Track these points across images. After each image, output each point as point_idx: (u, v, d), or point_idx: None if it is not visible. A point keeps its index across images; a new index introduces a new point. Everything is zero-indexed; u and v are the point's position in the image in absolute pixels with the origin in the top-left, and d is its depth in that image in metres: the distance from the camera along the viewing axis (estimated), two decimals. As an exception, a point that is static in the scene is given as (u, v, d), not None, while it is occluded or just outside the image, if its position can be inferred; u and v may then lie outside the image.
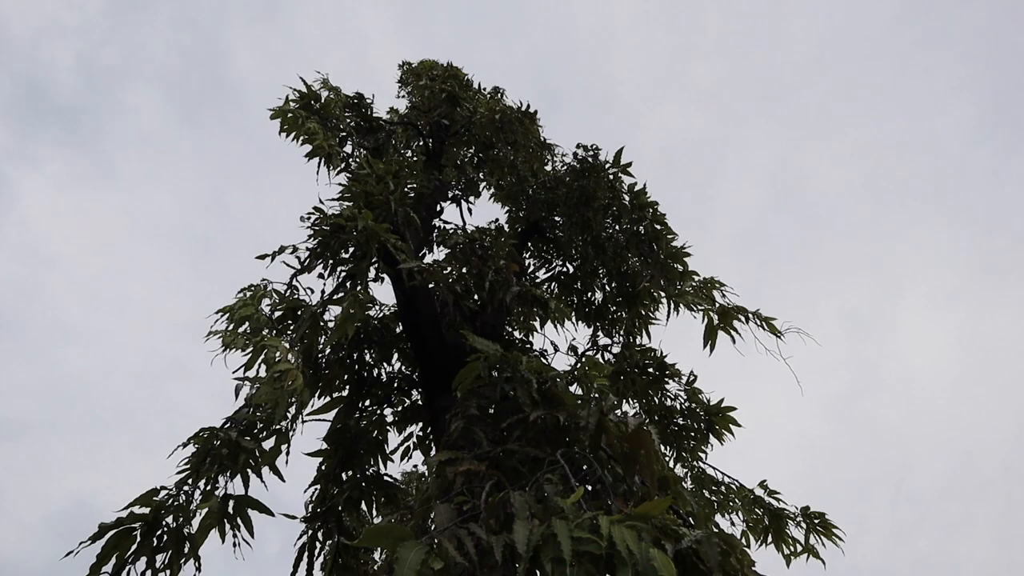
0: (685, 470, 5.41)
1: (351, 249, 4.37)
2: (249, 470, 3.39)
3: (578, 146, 6.02)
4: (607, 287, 6.30)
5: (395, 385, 5.16)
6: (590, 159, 5.85)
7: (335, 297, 4.18)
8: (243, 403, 3.55)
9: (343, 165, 5.18)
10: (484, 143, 6.86)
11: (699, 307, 5.04)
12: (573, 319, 6.57)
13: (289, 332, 3.69)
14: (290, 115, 4.60)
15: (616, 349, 6.07)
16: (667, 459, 5.45)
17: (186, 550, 2.94)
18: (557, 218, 6.43)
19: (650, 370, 5.75)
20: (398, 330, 5.18)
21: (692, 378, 5.49)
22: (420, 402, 5.13)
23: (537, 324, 6.25)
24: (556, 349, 5.73)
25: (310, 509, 4.23)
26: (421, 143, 6.93)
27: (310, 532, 4.09)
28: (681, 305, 5.18)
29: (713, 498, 5.21)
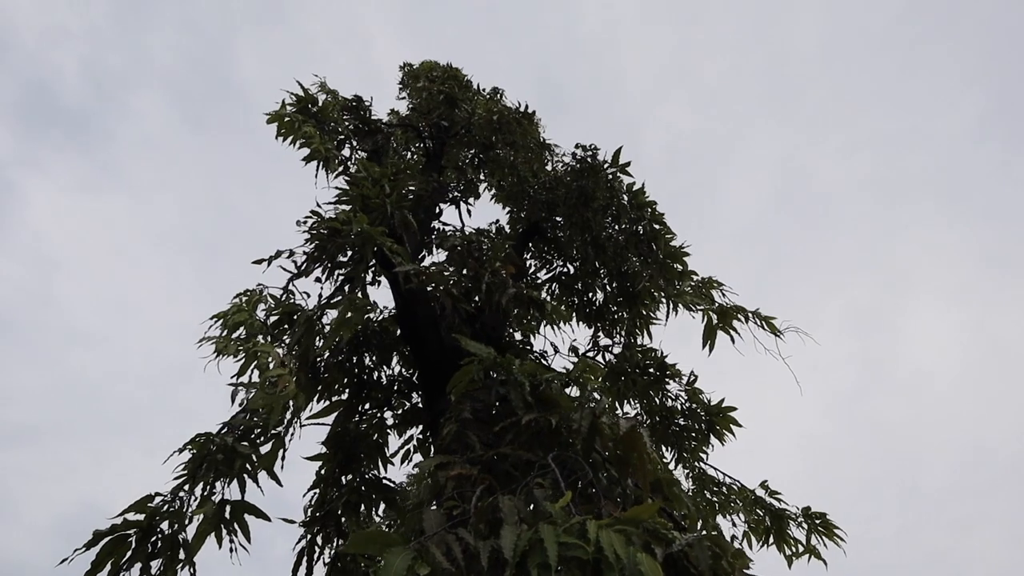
0: (686, 471, 5.40)
1: (349, 253, 4.38)
2: (246, 475, 3.40)
3: (577, 146, 6.02)
4: (608, 287, 6.29)
5: (395, 388, 5.16)
6: (589, 159, 5.84)
7: (333, 301, 4.19)
8: (240, 408, 3.57)
9: (341, 168, 5.19)
10: (484, 144, 6.85)
11: (698, 307, 5.02)
12: (575, 319, 6.58)
13: (285, 337, 3.69)
14: (287, 119, 4.61)
15: (617, 350, 6.06)
16: (668, 460, 5.44)
17: (181, 556, 2.95)
18: (558, 218, 6.43)
19: (651, 370, 5.73)
20: (397, 333, 5.18)
21: (692, 378, 5.47)
22: (420, 405, 5.13)
23: (540, 326, 6.27)
24: (556, 350, 5.73)
25: (309, 513, 4.23)
26: (421, 145, 6.93)
27: (309, 536, 4.10)
28: (680, 305, 5.16)
29: (714, 499, 5.19)
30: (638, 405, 5.75)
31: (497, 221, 6.98)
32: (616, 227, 5.77)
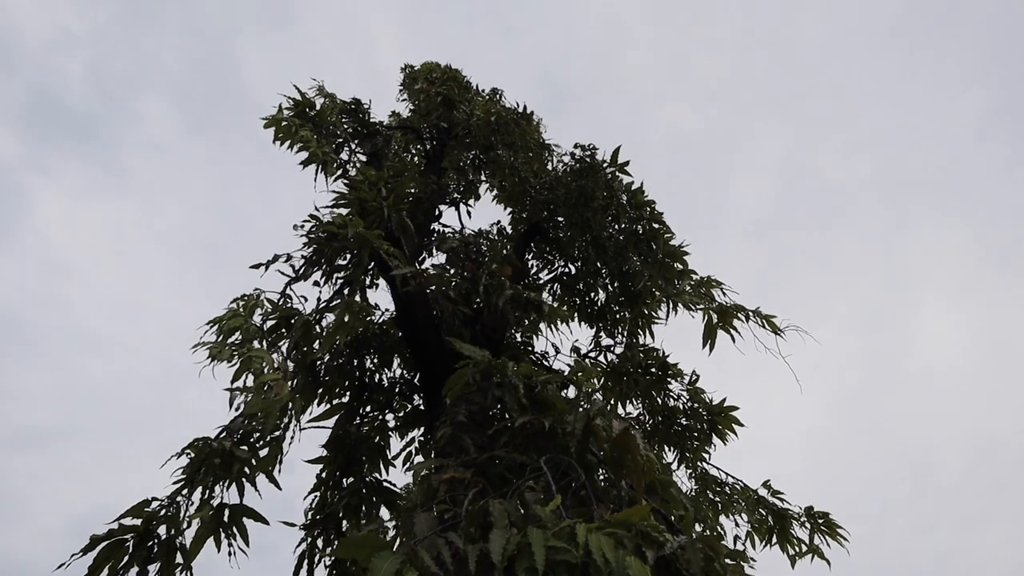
0: (689, 471, 5.38)
1: (347, 256, 4.39)
2: (244, 479, 3.41)
3: (576, 146, 6.01)
4: (609, 287, 6.28)
5: (396, 390, 5.17)
6: (587, 159, 5.83)
7: (331, 305, 4.20)
8: (239, 413, 3.58)
9: (340, 172, 5.20)
10: (484, 145, 6.85)
11: (697, 306, 5.01)
12: (576, 319, 6.57)
13: (282, 342, 3.71)
14: (284, 123, 4.62)
15: (619, 349, 6.05)
16: (671, 461, 5.42)
17: (178, 560, 2.96)
18: (559, 219, 6.42)
19: (653, 370, 5.72)
20: (398, 335, 5.19)
21: (694, 378, 5.46)
22: (422, 407, 5.14)
23: (541, 327, 6.27)
24: (557, 351, 5.73)
25: (309, 516, 4.25)
26: (421, 147, 6.94)
27: (309, 540, 4.11)
28: (680, 304, 5.14)
29: (717, 499, 5.18)
30: (640, 405, 5.74)
31: (499, 222, 6.99)
32: (616, 227, 5.76)
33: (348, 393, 4.96)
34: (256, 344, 3.38)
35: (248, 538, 3.35)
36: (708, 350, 4.92)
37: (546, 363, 5.41)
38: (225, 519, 3.30)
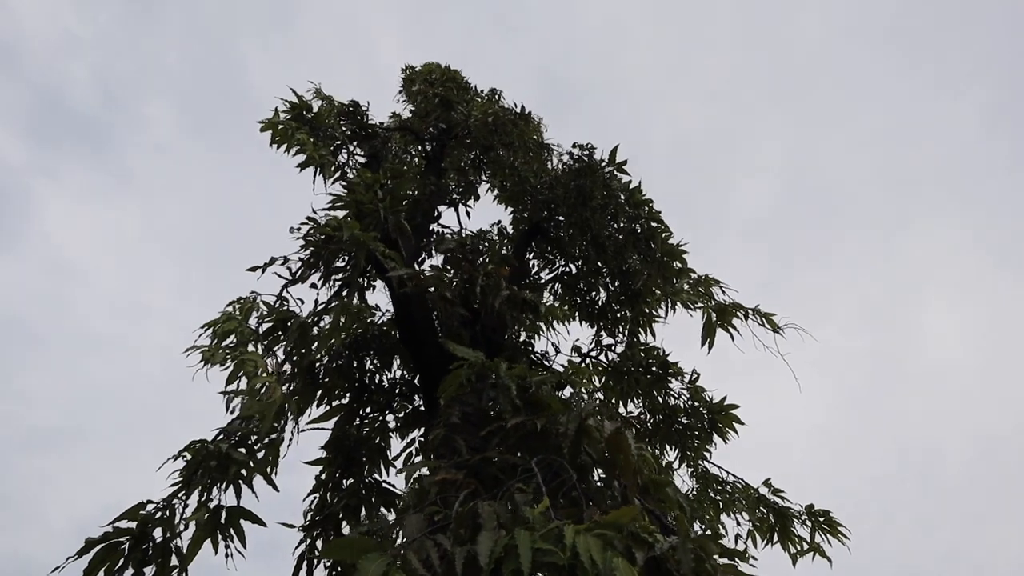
0: (690, 470, 5.37)
1: (345, 258, 4.40)
2: (241, 481, 3.42)
3: (574, 145, 6.00)
4: (610, 286, 6.27)
5: (397, 391, 5.18)
6: (585, 158, 5.82)
7: (329, 307, 4.21)
8: (235, 415, 3.60)
9: (338, 174, 5.21)
10: (485, 145, 6.86)
11: (696, 305, 5.00)
12: (577, 319, 6.56)
13: (279, 344, 3.72)
14: (280, 127, 4.64)
15: (620, 349, 6.04)
16: (672, 459, 5.41)
17: (173, 563, 2.98)
18: (560, 218, 6.42)
19: (653, 369, 5.71)
20: (398, 336, 5.20)
21: (695, 376, 5.44)
22: (422, 408, 5.15)
23: (543, 327, 6.27)
24: (557, 351, 5.73)
25: (309, 518, 4.26)
26: (420, 148, 6.95)
27: (309, 541, 4.12)
28: (678, 303, 5.13)
29: (718, 498, 5.17)
30: (641, 404, 5.73)
31: (499, 222, 6.99)
32: (615, 226, 5.76)
33: (348, 394, 4.97)
34: (251, 347, 3.39)
35: (245, 540, 3.37)
36: (707, 348, 4.91)
37: (547, 363, 5.42)
38: (222, 521, 3.32)
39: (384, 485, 4.55)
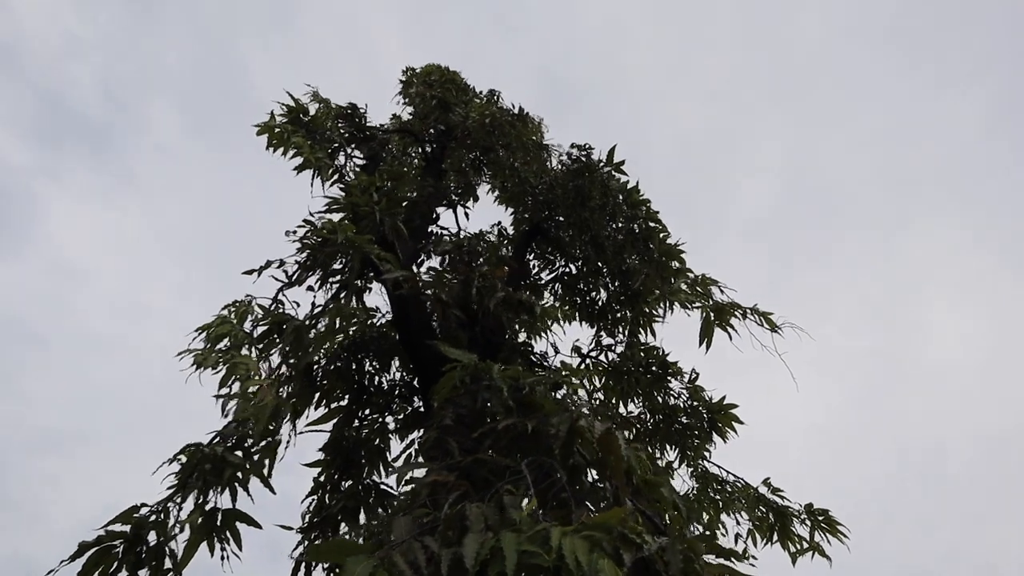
0: (690, 469, 5.36)
1: (342, 261, 4.41)
2: (236, 484, 3.44)
3: (572, 146, 6.01)
4: (610, 286, 6.26)
5: (396, 393, 5.19)
6: (583, 158, 5.82)
7: (324, 310, 4.22)
8: (231, 418, 3.62)
9: (336, 176, 5.22)
10: (485, 147, 6.86)
11: (693, 304, 4.99)
12: (578, 319, 6.56)
13: (274, 348, 3.73)
14: (277, 130, 4.66)
15: (620, 348, 6.04)
16: (670, 459, 5.40)
17: (167, 566, 2.99)
18: (560, 218, 6.42)
19: (653, 369, 5.71)
20: (397, 338, 5.21)
21: (694, 376, 5.43)
22: (422, 409, 5.16)
23: (544, 327, 6.27)
24: (556, 351, 5.73)
25: (307, 520, 4.27)
26: (420, 150, 6.96)
27: (307, 543, 4.13)
28: (676, 303, 5.12)
29: (718, 497, 5.16)
30: (641, 404, 5.72)
31: (499, 223, 6.99)
32: (614, 226, 5.75)
33: (347, 396, 4.98)
34: (244, 351, 3.41)
35: (241, 542, 3.38)
36: (705, 348, 4.90)
37: (546, 364, 5.42)
38: (218, 524, 3.33)
39: (383, 487, 4.55)
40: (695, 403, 5.39)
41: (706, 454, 5.30)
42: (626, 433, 5.35)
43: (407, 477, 2.95)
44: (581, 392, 5.46)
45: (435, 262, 5.82)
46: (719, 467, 5.23)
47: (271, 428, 3.47)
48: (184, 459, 3.33)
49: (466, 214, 6.40)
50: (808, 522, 4.70)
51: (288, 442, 4.00)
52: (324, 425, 4.80)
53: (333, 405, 4.90)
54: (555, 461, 2.84)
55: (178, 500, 3.23)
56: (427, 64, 7.78)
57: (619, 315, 6.22)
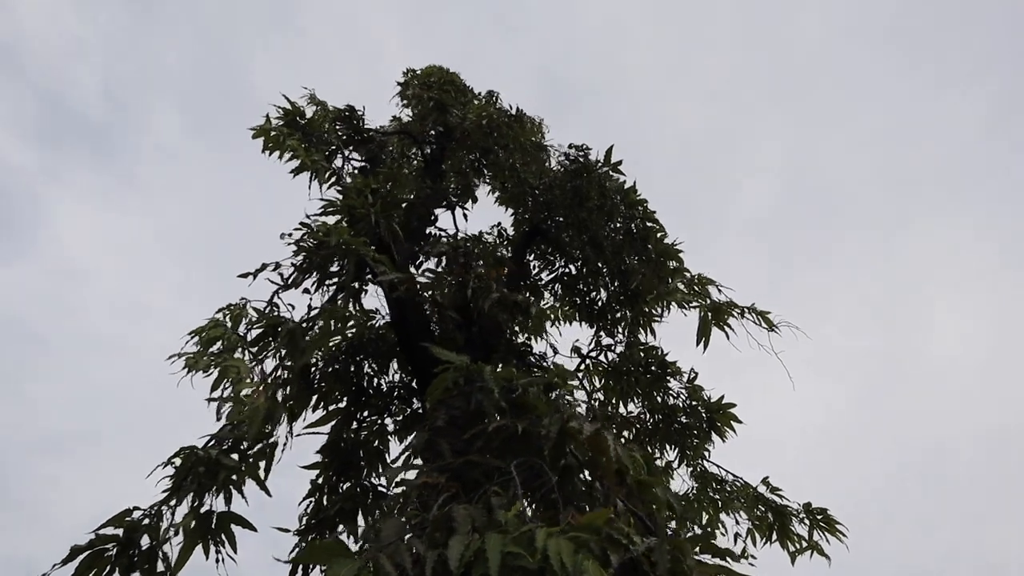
0: (689, 469, 5.35)
1: (339, 263, 4.42)
2: (231, 486, 3.45)
3: (570, 146, 6.00)
4: (609, 286, 6.26)
5: (395, 394, 5.20)
6: (581, 159, 5.82)
7: (319, 312, 4.23)
8: (226, 421, 3.63)
9: (333, 179, 5.24)
10: (484, 148, 6.86)
11: (691, 304, 4.98)
12: (577, 319, 6.56)
13: (269, 350, 3.74)
14: (273, 133, 4.67)
15: (619, 349, 6.03)
16: (670, 458, 5.39)
17: (160, 569, 3.01)
18: (560, 219, 6.42)
19: (653, 368, 5.70)
20: (395, 340, 5.21)
21: (693, 376, 5.42)
22: (420, 411, 5.16)
23: (545, 328, 6.26)
24: (555, 351, 5.73)
25: (304, 522, 4.28)
26: (419, 151, 6.97)
27: (304, 545, 4.14)
28: (673, 303, 5.12)
29: (717, 496, 5.14)
30: (640, 404, 5.72)
31: (499, 224, 6.99)
32: (612, 226, 5.75)
33: (345, 398, 4.99)
34: (237, 354, 3.42)
35: (236, 545, 3.39)
36: (703, 347, 4.89)
37: (545, 365, 5.41)
38: (213, 526, 3.34)
39: (381, 489, 4.56)
40: (694, 403, 5.37)
41: (705, 454, 5.29)
42: (626, 433, 5.37)
43: (396, 479, 2.95)
44: (579, 393, 5.48)
45: (433, 264, 5.84)
46: (718, 466, 5.22)
47: (266, 431, 3.48)
48: (178, 462, 3.34)
49: (465, 215, 6.40)
50: (807, 521, 4.68)
51: (285, 444, 4.02)
52: (323, 427, 4.83)
53: (331, 407, 4.91)
54: (544, 462, 2.84)
55: (172, 503, 3.24)
56: (428, 65, 7.79)
57: (619, 315, 6.21)
